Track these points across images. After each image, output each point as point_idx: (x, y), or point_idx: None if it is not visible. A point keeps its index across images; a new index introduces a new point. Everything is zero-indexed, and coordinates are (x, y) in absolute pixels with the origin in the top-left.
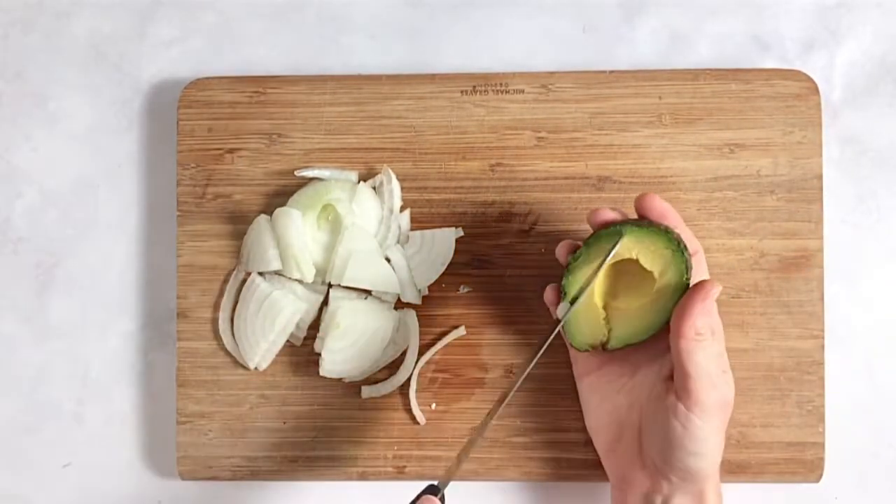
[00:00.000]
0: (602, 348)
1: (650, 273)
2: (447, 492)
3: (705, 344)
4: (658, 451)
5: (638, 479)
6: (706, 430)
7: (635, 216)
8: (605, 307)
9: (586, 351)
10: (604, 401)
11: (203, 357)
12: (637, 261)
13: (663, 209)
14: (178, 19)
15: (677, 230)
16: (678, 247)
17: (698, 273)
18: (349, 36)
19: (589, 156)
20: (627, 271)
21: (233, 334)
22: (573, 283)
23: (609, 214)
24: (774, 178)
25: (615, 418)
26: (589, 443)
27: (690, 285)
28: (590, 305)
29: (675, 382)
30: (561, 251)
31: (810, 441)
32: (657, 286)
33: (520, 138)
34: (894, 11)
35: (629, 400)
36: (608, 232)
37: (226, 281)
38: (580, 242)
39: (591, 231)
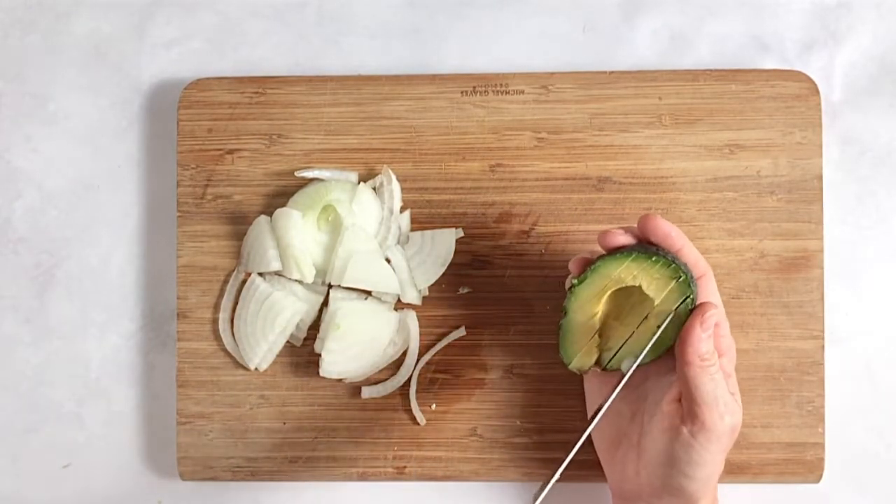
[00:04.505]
0: (601, 368)
1: (651, 298)
2: (444, 492)
3: (712, 369)
4: (654, 467)
5: (632, 490)
6: (706, 455)
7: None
8: (603, 330)
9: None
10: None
11: (203, 358)
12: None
13: (667, 231)
14: (178, 19)
15: (683, 251)
16: (684, 278)
17: (707, 295)
18: (349, 36)
19: (589, 156)
20: (632, 293)
21: (233, 335)
22: (574, 303)
23: (620, 239)
24: (774, 178)
25: (616, 425)
26: (589, 443)
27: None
28: (587, 326)
29: (683, 407)
30: (574, 266)
31: (810, 441)
32: (656, 311)
33: (520, 139)
34: (894, 12)
35: (632, 409)
36: (616, 258)
37: (226, 281)
38: (591, 256)
39: (597, 239)
